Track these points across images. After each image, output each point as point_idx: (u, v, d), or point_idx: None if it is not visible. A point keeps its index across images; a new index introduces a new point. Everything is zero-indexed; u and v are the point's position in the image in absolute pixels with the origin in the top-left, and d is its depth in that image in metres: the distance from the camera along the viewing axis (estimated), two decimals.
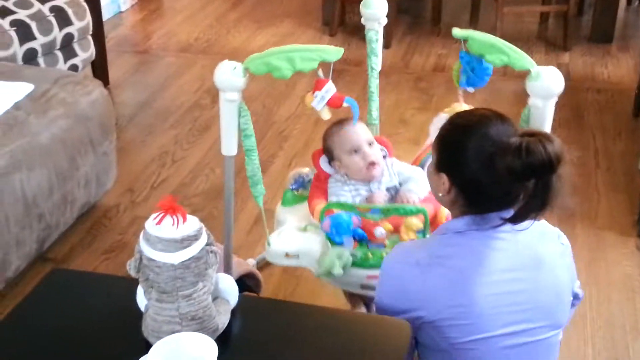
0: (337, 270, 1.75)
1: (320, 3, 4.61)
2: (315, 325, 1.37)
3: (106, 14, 4.40)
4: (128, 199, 2.80)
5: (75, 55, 3.34)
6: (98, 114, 2.53)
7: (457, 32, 1.80)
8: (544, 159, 1.28)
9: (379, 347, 1.31)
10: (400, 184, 1.93)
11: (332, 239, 1.80)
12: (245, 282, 2.13)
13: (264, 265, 2.42)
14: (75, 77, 2.58)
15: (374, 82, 2.16)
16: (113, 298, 1.45)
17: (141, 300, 1.36)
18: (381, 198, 1.88)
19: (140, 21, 4.64)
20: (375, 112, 2.20)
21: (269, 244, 1.89)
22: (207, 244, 1.30)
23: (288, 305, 1.52)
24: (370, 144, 1.91)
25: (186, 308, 1.29)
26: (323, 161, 1.98)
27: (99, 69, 3.60)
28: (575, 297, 1.54)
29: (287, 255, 1.86)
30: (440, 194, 1.46)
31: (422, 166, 1.99)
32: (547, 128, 1.72)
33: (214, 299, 1.37)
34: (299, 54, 1.71)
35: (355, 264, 1.77)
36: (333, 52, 1.73)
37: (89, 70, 3.55)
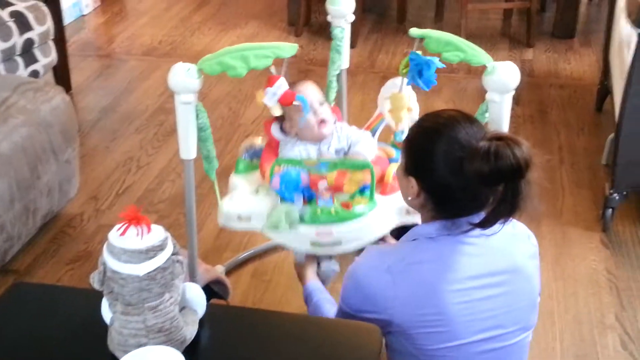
0: (283, 226, 1.76)
1: (285, 3, 4.60)
2: (285, 333, 1.36)
3: (68, 17, 4.33)
4: (92, 207, 2.75)
5: (36, 60, 3.28)
6: (60, 121, 2.49)
7: (414, 31, 1.83)
8: (512, 164, 1.27)
9: (350, 353, 1.31)
10: (349, 148, 1.94)
11: (282, 196, 1.80)
12: (213, 289, 2.11)
13: (231, 271, 2.41)
14: (35, 84, 2.53)
15: (333, 74, 2.20)
16: (77, 311, 1.42)
17: (106, 313, 1.34)
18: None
19: (103, 24, 4.58)
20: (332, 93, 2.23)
21: (221, 208, 1.89)
22: (173, 254, 1.28)
23: (257, 313, 1.51)
24: (321, 104, 1.92)
25: (152, 320, 1.26)
26: (274, 128, 2.00)
27: (61, 74, 3.54)
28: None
29: (239, 218, 1.86)
30: (410, 198, 1.45)
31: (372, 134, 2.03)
32: (505, 122, 1.74)
33: (181, 309, 1.35)
34: (252, 52, 1.71)
35: (304, 220, 1.78)
36: (287, 48, 1.74)
37: (50, 76, 3.49)
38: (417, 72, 1.83)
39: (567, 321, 2.19)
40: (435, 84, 1.83)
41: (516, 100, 3.58)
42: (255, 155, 2.06)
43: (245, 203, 1.88)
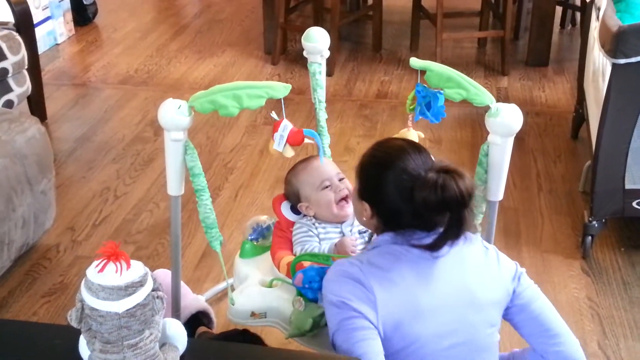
0: (311, 330, 1.61)
1: (261, 32, 4.61)
2: None
3: (42, 46, 4.30)
4: (68, 238, 2.71)
5: (10, 90, 3.25)
6: (35, 152, 2.45)
7: (415, 62, 1.75)
8: (456, 195, 1.40)
9: None
10: None
11: (305, 295, 1.66)
12: (200, 319, 2.08)
13: (211, 301, 2.37)
14: (10, 115, 2.50)
15: (323, 116, 2.07)
16: (54, 349, 1.38)
17: (84, 351, 1.30)
18: (353, 242, 1.75)
19: (78, 53, 4.55)
20: (328, 150, 2.11)
21: (232, 303, 1.74)
22: (153, 289, 1.26)
23: (239, 349, 1.47)
24: (340, 179, 1.84)
25: (132, 358, 1.23)
26: (285, 208, 1.89)
27: (36, 103, 3.50)
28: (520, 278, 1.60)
29: (253, 314, 1.73)
30: (364, 219, 1.56)
31: None
32: (505, 164, 1.72)
33: (162, 345, 1.32)
34: (245, 91, 1.67)
35: None
36: (280, 88, 1.68)
37: (25, 105, 3.45)
38: (425, 104, 1.78)
39: None
40: (444, 116, 1.78)
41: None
42: (261, 235, 1.96)
43: (259, 298, 1.74)
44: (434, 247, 1.45)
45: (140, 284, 1.23)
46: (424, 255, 1.47)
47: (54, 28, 4.57)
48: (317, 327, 1.61)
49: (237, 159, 3.29)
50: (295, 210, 1.89)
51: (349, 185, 1.85)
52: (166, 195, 2.98)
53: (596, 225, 2.51)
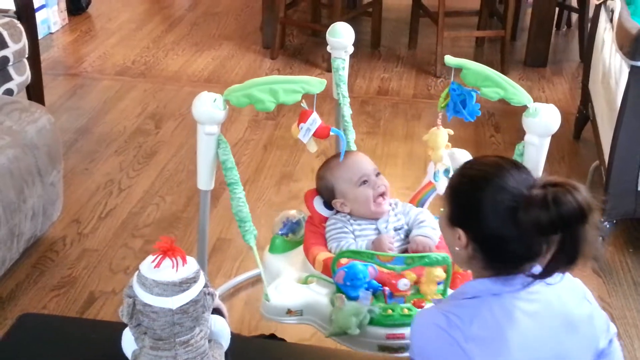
0: (354, 330, 1.55)
1: (258, 26, 4.58)
2: None
3: None
4: (75, 231, 2.66)
5: (10, 79, 3.18)
6: (45, 142, 2.40)
7: (450, 60, 1.74)
8: (575, 209, 1.20)
9: None
10: (408, 225, 1.81)
11: (347, 293, 1.61)
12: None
13: (224, 298, 2.34)
14: (20, 104, 2.44)
15: (348, 112, 2.05)
16: (93, 345, 1.36)
17: (128, 346, 1.28)
18: (390, 240, 1.73)
19: (72, 43, 4.48)
20: (354, 146, 2.08)
21: (267, 299, 1.68)
22: (204, 286, 1.24)
23: (278, 346, 1.46)
24: (377, 174, 1.80)
25: (184, 355, 1.21)
26: (317, 202, 1.86)
27: (35, 93, 3.43)
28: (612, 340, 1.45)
29: (289, 311, 1.66)
30: (457, 249, 1.35)
31: (420, 205, 1.93)
32: (541, 165, 1.70)
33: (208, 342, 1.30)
34: (281, 86, 1.65)
35: (373, 321, 1.58)
36: (316, 84, 1.68)
37: (23, 95, 3.38)
38: (459, 102, 1.76)
39: None
40: (479, 114, 1.76)
41: (495, 127, 3.68)
42: (291, 231, 1.91)
43: (295, 295, 1.68)
44: (544, 274, 1.25)
45: (194, 280, 1.21)
46: (524, 310, 1.28)
47: (48, 17, 4.49)
48: (360, 327, 1.56)
49: (241, 153, 3.26)
50: (327, 205, 1.86)
51: (386, 181, 1.83)
52: (172, 189, 2.98)
53: (607, 226, 2.52)
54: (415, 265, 1.63)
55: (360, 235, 1.78)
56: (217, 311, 2.07)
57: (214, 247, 2.60)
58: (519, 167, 1.33)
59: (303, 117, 1.74)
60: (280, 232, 1.91)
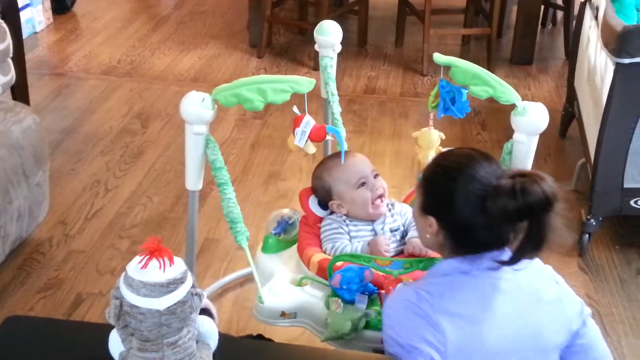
0: (350, 334, 1.54)
1: (244, 24, 4.57)
2: None
3: None
4: (61, 232, 2.64)
5: None
6: (31, 143, 2.39)
7: (439, 58, 1.75)
8: (541, 198, 1.27)
9: None
10: (404, 226, 1.80)
11: (343, 297, 1.59)
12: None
13: (212, 298, 2.34)
14: (5, 105, 2.43)
15: (337, 109, 2.03)
16: (80, 347, 1.34)
17: (115, 348, 1.27)
18: (387, 241, 1.72)
19: (57, 42, 4.45)
20: (345, 144, 2.03)
21: (261, 302, 1.65)
22: (191, 286, 1.23)
23: (267, 346, 1.45)
24: (375, 176, 1.78)
25: (172, 357, 1.20)
26: (312, 202, 1.84)
27: (20, 93, 3.39)
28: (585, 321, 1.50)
29: (283, 314, 1.64)
30: (428, 236, 1.43)
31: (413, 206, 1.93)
32: (529, 163, 1.71)
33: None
34: (270, 85, 1.65)
35: (369, 325, 1.57)
36: (305, 83, 1.67)
37: (8, 95, 3.35)
38: (449, 99, 1.76)
39: None
40: (469, 111, 1.76)
41: (482, 125, 3.69)
42: (283, 230, 1.89)
43: (289, 297, 1.65)
44: (512, 260, 1.31)
45: (181, 280, 1.20)
46: (495, 287, 1.35)
47: (32, 16, 4.45)
48: (356, 331, 1.54)
49: (228, 152, 3.25)
50: (322, 204, 1.84)
51: (384, 183, 1.81)
52: (159, 189, 2.96)
53: (594, 223, 2.53)
54: (413, 270, 1.61)
55: (356, 237, 1.76)
56: (206, 311, 2.06)
57: (201, 247, 2.59)
58: (489, 158, 1.39)
59: (296, 122, 1.73)
60: (273, 232, 1.89)
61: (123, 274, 1.20)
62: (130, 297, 1.17)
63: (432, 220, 1.40)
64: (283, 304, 1.64)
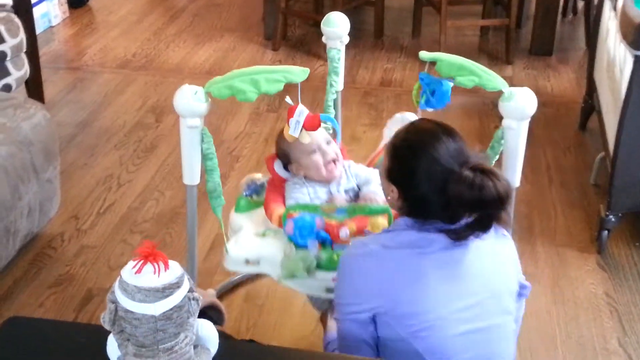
0: (301, 273, 1.70)
1: (260, 17, 4.53)
2: None
3: (37, 29, 4.18)
4: (73, 227, 2.64)
5: (8, 74, 3.16)
6: (41, 139, 2.38)
7: (424, 55, 1.78)
8: (494, 196, 1.38)
9: None
10: (359, 186, 1.90)
11: (296, 242, 1.74)
12: (208, 314, 2.02)
13: (223, 295, 2.32)
14: (15, 101, 2.42)
15: (331, 97, 2.12)
16: (81, 349, 1.32)
17: (112, 352, 1.25)
18: (341, 201, 1.85)
19: (73, 36, 4.45)
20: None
21: (227, 251, 1.81)
22: (188, 291, 1.20)
23: (268, 350, 1.43)
24: (327, 143, 1.88)
25: None
26: (277, 165, 1.93)
27: (34, 87, 3.41)
28: (523, 287, 1.60)
29: (247, 261, 1.79)
30: (389, 198, 1.55)
31: (377, 168, 1.96)
32: (521, 149, 1.72)
33: (194, 347, 1.27)
34: (263, 76, 1.65)
35: (320, 266, 1.72)
36: (298, 73, 1.68)
37: (22, 90, 3.36)
38: (429, 91, 1.78)
39: (570, 346, 2.15)
40: (449, 101, 1.80)
41: (500, 117, 3.62)
42: (255, 192, 2.00)
43: (252, 246, 1.81)
44: (459, 236, 1.43)
45: (177, 285, 1.17)
46: (446, 244, 1.45)
47: (48, 10, 4.46)
48: (308, 271, 1.69)
49: (242, 146, 3.23)
50: (286, 168, 1.94)
51: (337, 148, 1.90)
52: (171, 184, 2.95)
53: (613, 219, 2.47)
54: (356, 215, 1.74)
55: (315, 198, 1.87)
56: (213, 309, 2.06)
57: (212, 243, 2.57)
58: (454, 136, 1.47)
59: (290, 112, 1.72)
60: (245, 194, 2.00)
61: (118, 278, 1.17)
62: (125, 302, 1.15)
63: (394, 188, 1.51)
64: (247, 253, 1.78)
